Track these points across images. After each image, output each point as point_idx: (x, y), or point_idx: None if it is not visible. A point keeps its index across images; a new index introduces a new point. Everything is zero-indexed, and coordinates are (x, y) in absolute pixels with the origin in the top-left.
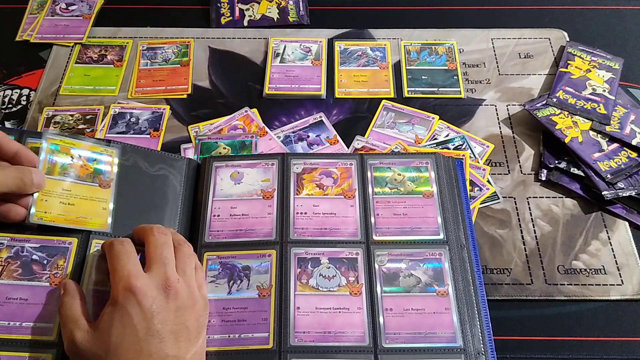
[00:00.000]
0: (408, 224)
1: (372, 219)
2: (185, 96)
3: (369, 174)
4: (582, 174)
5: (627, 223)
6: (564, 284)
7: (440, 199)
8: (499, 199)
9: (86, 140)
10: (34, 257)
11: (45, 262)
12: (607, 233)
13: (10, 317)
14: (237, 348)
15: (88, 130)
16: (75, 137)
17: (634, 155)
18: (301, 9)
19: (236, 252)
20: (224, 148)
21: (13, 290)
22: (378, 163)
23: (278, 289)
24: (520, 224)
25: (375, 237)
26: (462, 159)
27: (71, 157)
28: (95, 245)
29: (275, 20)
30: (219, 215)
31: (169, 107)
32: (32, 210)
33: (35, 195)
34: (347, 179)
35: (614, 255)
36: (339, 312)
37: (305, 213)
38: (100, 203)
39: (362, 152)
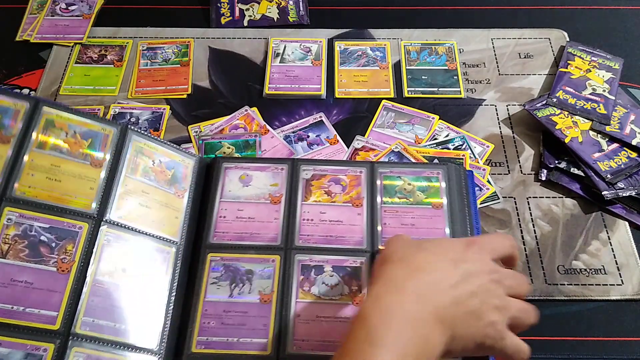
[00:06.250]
0: (415, 234)
1: (379, 228)
2: (185, 96)
3: (378, 182)
4: (582, 174)
5: (627, 223)
6: (564, 284)
7: (449, 210)
8: (499, 199)
9: (168, 146)
10: (42, 238)
11: (53, 244)
12: (607, 233)
13: (14, 300)
14: (235, 352)
15: None
16: (159, 142)
17: (634, 155)
18: (301, 9)
19: (240, 255)
20: (228, 147)
21: (19, 272)
22: (388, 172)
23: (280, 295)
24: (520, 224)
25: (381, 247)
26: (472, 169)
27: (152, 161)
28: (107, 234)
29: (275, 20)
30: (225, 217)
31: (169, 107)
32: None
33: (118, 194)
34: (355, 187)
35: (614, 255)
36: (340, 321)
37: (312, 220)
38: (173, 212)
39: (362, 151)
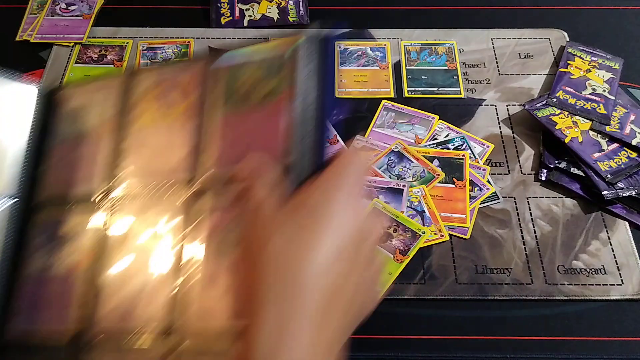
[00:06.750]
0: (255, 146)
1: (204, 153)
2: None
3: (220, 77)
4: (582, 174)
5: (627, 223)
6: (564, 284)
7: (299, 100)
8: (499, 199)
9: None
10: None
11: None
12: (607, 233)
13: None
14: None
15: None
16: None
17: (634, 155)
18: (301, 9)
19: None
20: None
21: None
22: (235, 61)
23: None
24: (520, 224)
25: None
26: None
27: None
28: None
29: (275, 20)
30: (59, 162)
31: None
32: None
33: None
34: (192, 90)
35: (614, 255)
36: None
37: (137, 148)
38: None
39: (362, 151)
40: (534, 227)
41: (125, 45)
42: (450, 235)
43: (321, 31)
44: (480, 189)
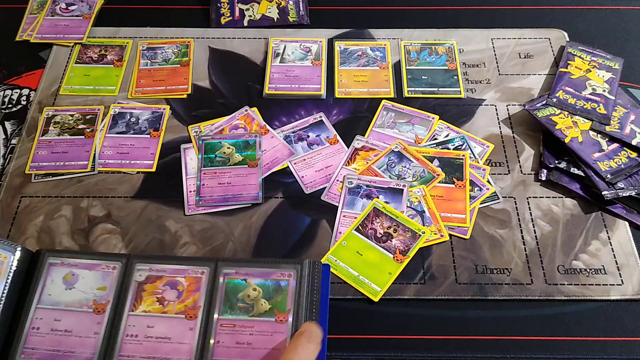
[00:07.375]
0: (251, 355)
1: (211, 347)
2: (185, 96)
3: (220, 286)
4: (582, 174)
5: (627, 223)
6: (564, 284)
7: (294, 324)
8: (499, 199)
9: None
10: None
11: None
12: (607, 233)
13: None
14: None
15: (88, 130)
16: None
17: (634, 155)
18: (301, 9)
19: None
20: (228, 148)
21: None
22: (234, 273)
23: None
24: (520, 224)
25: None
26: (329, 264)
27: None
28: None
29: (275, 20)
30: (38, 328)
31: (169, 107)
32: None
33: None
34: (193, 293)
35: (614, 255)
36: None
37: (136, 336)
38: None
39: (362, 151)
40: (534, 227)
41: (125, 45)
42: (450, 235)
43: (315, 263)
44: (480, 189)
